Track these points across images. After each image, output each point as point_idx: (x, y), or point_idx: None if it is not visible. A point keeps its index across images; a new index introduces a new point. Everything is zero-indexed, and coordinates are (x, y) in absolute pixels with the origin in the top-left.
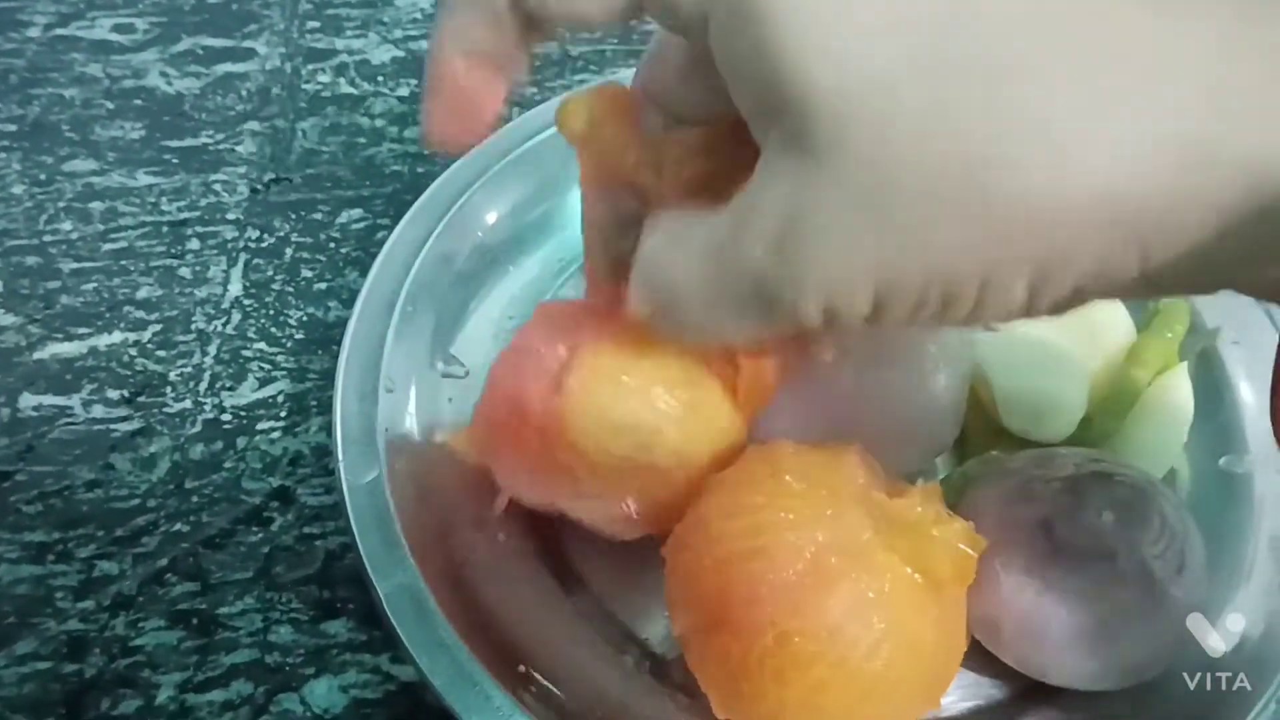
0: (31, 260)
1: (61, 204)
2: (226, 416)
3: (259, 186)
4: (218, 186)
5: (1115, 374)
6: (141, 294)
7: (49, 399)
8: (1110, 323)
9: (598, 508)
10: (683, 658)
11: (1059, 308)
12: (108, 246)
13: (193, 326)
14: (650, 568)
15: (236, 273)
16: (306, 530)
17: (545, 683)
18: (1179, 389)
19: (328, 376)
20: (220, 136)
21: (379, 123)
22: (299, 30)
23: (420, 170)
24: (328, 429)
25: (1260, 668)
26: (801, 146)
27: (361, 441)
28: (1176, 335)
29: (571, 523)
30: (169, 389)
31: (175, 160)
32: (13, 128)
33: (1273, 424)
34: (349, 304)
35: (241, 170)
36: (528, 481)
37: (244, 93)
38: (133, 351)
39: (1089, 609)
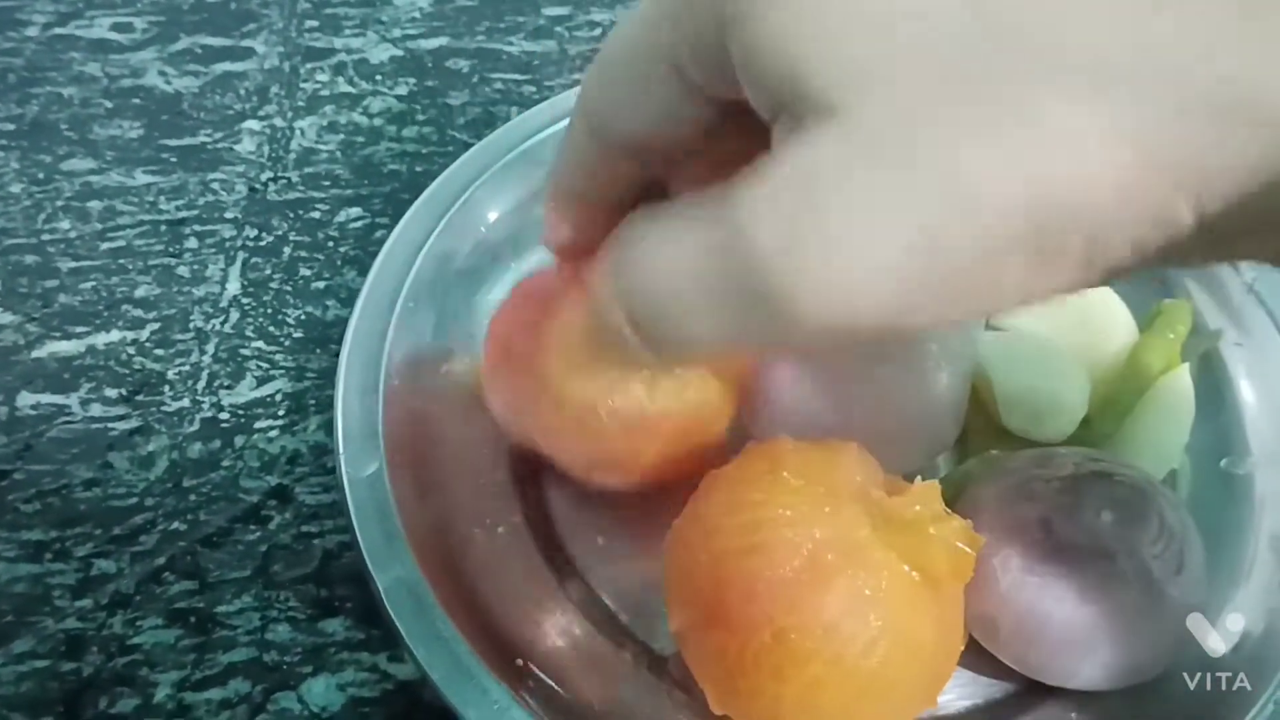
0: (30, 259)
1: (60, 203)
2: (224, 415)
3: (257, 185)
4: (216, 185)
5: (1117, 374)
6: (140, 293)
7: (47, 397)
8: (1112, 323)
9: (568, 447)
10: (680, 653)
11: (1115, 272)
12: (106, 245)
13: (191, 325)
14: (649, 563)
15: (235, 271)
16: (304, 529)
17: (543, 677)
18: (1181, 390)
19: (326, 375)
20: (219, 135)
21: (377, 122)
22: (297, 29)
23: (418, 169)
24: (326, 428)
25: (1260, 668)
26: (820, 117)
27: (362, 436)
28: (1179, 336)
29: (571, 521)
30: (167, 388)
31: (173, 159)
32: (11, 126)
33: None
34: (347, 303)
35: (240, 169)
36: (513, 418)
37: (242, 92)
38: (131, 350)
39: (1087, 608)
